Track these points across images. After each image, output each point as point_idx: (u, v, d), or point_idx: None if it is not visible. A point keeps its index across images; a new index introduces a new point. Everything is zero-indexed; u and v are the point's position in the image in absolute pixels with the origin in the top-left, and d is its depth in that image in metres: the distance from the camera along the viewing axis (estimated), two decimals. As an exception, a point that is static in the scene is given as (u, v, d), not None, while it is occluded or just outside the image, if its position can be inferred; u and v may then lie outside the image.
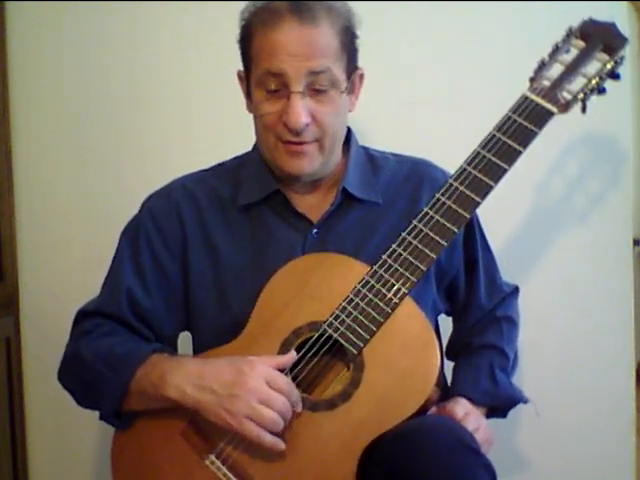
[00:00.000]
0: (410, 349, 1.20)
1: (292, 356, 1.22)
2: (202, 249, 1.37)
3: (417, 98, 1.80)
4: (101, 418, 1.32)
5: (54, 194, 1.96)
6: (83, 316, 1.38)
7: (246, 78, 1.34)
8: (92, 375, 1.28)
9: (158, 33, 1.88)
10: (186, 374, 1.21)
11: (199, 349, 1.38)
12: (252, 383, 1.16)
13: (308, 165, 1.31)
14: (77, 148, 1.94)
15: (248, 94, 1.34)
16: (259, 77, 1.27)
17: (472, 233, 1.45)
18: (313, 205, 1.38)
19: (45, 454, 2.02)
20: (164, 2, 1.85)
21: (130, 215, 1.43)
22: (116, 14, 1.87)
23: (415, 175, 1.42)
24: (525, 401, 1.44)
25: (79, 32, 1.90)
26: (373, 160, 1.44)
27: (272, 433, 1.16)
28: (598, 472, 1.83)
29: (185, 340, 1.44)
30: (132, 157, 1.92)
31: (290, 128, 1.26)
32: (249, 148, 1.45)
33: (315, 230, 1.36)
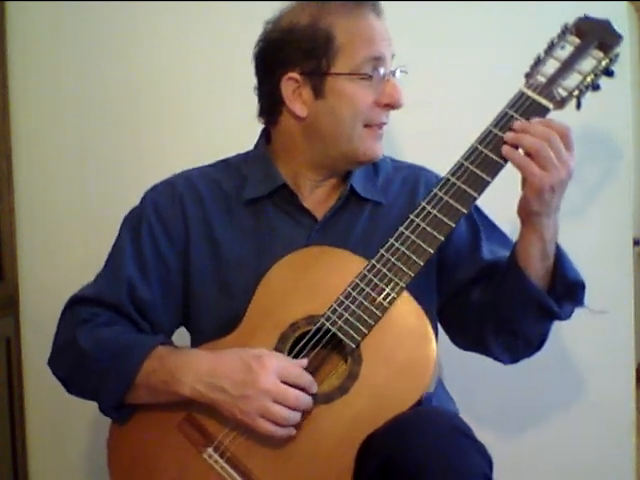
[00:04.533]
0: (407, 342, 1.20)
1: (303, 363, 1.22)
2: (204, 242, 1.37)
3: (416, 97, 1.80)
4: (100, 409, 1.30)
5: (54, 194, 1.96)
6: (76, 302, 1.36)
7: (310, 78, 1.29)
8: (93, 366, 1.26)
9: (158, 33, 1.89)
10: (197, 372, 1.20)
11: (197, 343, 1.36)
12: (263, 383, 1.16)
13: (382, 148, 1.36)
14: (77, 148, 1.95)
15: (316, 94, 1.30)
16: (356, 66, 1.28)
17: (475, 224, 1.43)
18: (318, 202, 1.38)
19: (45, 453, 2.01)
20: (164, 2, 1.86)
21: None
22: (116, 14, 1.88)
23: (411, 178, 1.44)
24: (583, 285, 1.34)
25: (79, 32, 1.91)
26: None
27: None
28: (598, 472, 1.83)
29: (183, 335, 1.44)
30: (132, 157, 1.93)
31: (394, 106, 1.31)
32: (249, 147, 1.45)
33: (319, 227, 1.36)
